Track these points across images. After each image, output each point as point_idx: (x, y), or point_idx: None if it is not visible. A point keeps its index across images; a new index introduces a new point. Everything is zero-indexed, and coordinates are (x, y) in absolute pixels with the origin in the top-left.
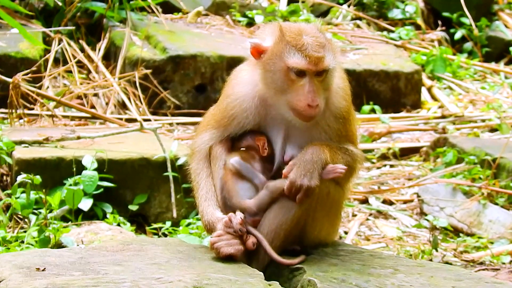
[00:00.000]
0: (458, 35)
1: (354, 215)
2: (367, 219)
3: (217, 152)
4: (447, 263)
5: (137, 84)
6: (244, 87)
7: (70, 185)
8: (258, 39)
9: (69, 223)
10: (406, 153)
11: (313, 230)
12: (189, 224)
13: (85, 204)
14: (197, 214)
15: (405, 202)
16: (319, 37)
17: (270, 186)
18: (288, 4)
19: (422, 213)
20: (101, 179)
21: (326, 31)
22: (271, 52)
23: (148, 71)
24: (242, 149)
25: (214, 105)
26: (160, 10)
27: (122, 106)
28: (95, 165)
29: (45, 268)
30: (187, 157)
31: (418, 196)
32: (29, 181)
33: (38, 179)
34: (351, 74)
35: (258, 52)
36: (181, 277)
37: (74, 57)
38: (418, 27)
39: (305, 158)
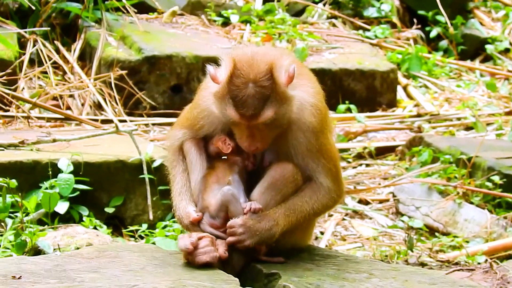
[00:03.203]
0: (433, 33)
1: (330, 215)
2: (343, 219)
3: (190, 148)
4: (422, 264)
5: (113, 85)
6: (210, 101)
7: (46, 188)
8: (217, 68)
9: (46, 226)
10: (382, 152)
11: (286, 237)
12: (165, 227)
13: (61, 207)
14: (173, 217)
15: (380, 201)
16: (264, 87)
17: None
18: (264, 3)
19: (398, 213)
20: (77, 182)
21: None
22: (219, 90)
23: (124, 72)
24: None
25: (189, 105)
26: (135, 10)
27: (98, 107)
28: (71, 168)
29: (21, 276)
30: (165, 151)
31: (394, 195)
32: (5, 184)
33: (14, 182)
34: (327, 73)
35: (214, 81)
36: (157, 284)
37: (50, 58)
38: (393, 26)
39: (258, 221)
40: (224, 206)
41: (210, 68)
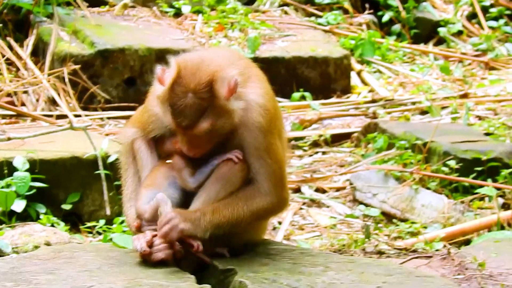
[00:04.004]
0: (385, 17)
1: None
2: (301, 208)
3: (140, 146)
4: (380, 252)
5: (66, 80)
6: (155, 103)
7: (2, 187)
8: (166, 70)
9: (3, 225)
10: (337, 139)
11: (239, 232)
12: (122, 222)
13: (18, 205)
14: None
15: (337, 189)
16: (203, 99)
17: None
18: None
19: (355, 200)
20: (33, 179)
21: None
22: (161, 95)
23: (77, 67)
24: (168, 162)
25: (141, 107)
26: (86, 4)
27: (53, 102)
28: (27, 165)
29: None
30: (120, 146)
31: (351, 183)
32: None
33: None
34: (280, 62)
35: (160, 83)
36: (113, 284)
37: (3, 55)
38: (345, 11)
39: (186, 212)
40: (158, 210)
41: (158, 69)
